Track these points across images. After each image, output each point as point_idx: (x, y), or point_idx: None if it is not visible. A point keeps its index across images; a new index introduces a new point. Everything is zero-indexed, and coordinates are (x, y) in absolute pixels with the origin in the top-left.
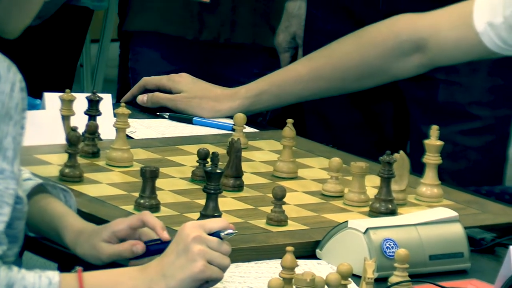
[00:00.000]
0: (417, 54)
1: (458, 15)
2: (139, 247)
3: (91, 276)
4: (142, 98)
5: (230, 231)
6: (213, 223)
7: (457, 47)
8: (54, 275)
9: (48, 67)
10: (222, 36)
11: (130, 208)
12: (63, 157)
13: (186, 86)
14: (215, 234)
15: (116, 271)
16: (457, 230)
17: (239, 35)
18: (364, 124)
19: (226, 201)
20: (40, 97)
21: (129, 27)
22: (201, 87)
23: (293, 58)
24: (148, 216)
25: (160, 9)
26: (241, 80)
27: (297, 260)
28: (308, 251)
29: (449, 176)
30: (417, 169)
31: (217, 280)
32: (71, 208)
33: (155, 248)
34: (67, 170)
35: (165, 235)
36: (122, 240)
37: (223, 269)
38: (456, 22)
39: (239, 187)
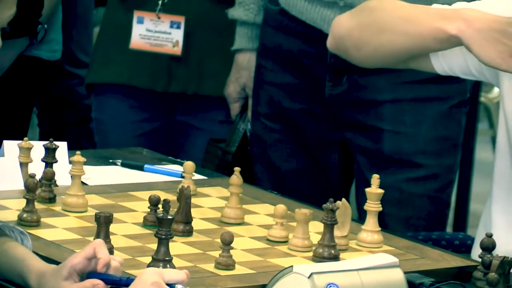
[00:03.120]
0: None
1: None
2: (100, 286)
3: None
4: None
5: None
6: (173, 274)
7: None
8: None
9: (3, 115)
10: (190, 88)
11: None
12: (22, 203)
13: None
14: (170, 285)
15: None
16: (397, 275)
17: (206, 87)
18: (309, 171)
19: (177, 246)
20: None
21: (94, 79)
22: None
23: (243, 108)
24: (99, 247)
25: (128, 62)
26: (205, 128)
27: None
28: None
29: (396, 222)
30: (364, 214)
31: None
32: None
33: (111, 280)
34: (25, 215)
35: (99, 268)
36: (82, 275)
37: None
38: None
39: (188, 232)
